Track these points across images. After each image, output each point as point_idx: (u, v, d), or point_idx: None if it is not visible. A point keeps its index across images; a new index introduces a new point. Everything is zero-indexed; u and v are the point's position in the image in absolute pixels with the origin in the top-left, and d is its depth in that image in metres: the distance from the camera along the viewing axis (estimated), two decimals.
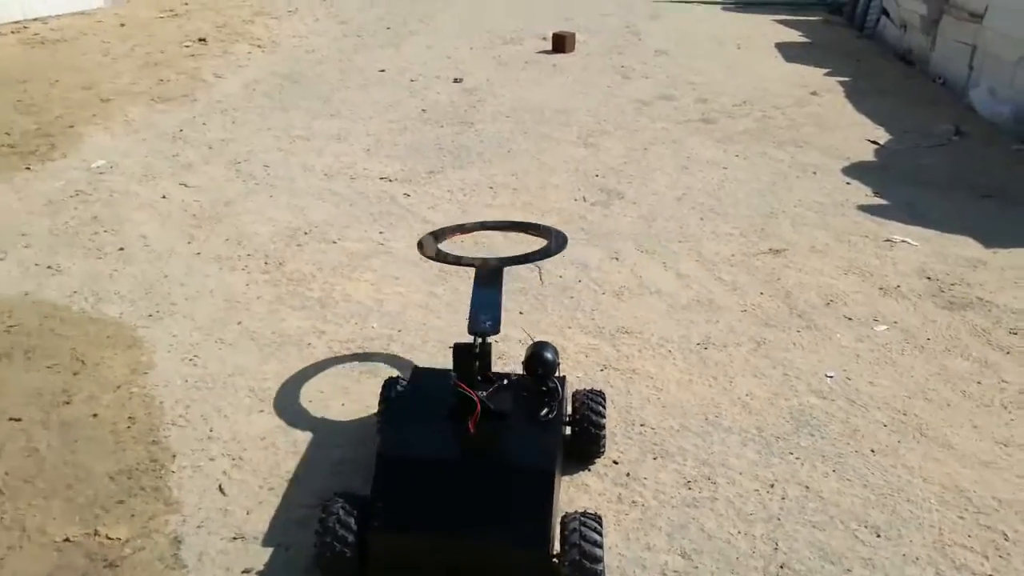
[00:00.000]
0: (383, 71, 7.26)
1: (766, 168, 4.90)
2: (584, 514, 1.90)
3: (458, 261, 2.41)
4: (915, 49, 8.60)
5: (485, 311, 2.14)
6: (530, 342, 2.26)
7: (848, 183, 4.67)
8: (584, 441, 2.28)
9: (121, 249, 3.71)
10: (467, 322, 2.11)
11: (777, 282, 3.47)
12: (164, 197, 4.31)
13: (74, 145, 5.08)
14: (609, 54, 8.07)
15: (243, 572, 2.00)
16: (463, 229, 2.69)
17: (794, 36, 9.21)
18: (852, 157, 5.11)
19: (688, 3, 11.30)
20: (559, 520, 1.91)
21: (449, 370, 2.13)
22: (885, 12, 10.07)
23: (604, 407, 2.30)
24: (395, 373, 2.59)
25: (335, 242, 3.81)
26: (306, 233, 3.91)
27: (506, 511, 1.87)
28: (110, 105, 5.87)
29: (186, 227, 3.95)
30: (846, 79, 7.17)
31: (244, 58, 7.56)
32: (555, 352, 2.17)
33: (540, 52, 8.12)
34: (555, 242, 2.43)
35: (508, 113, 5.99)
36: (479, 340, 2.08)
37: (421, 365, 2.66)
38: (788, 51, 8.32)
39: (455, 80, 6.94)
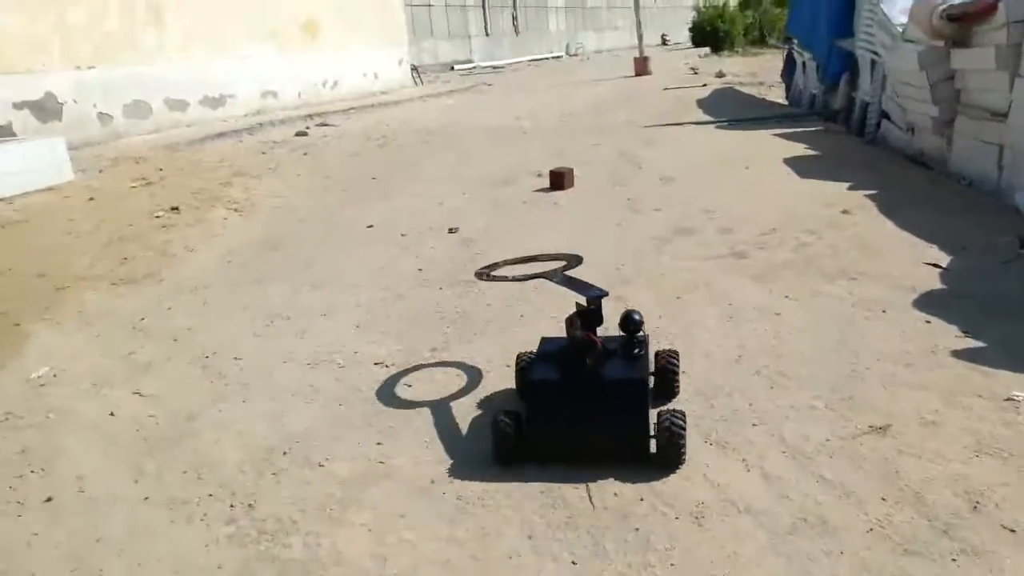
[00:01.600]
0: (371, 227, 6.65)
1: (825, 310, 4.17)
2: (672, 411, 2.77)
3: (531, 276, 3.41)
4: (927, 151, 8.10)
5: (590, 288, 3.07)
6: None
7: (928, 321, 3.93)
8: (663, 382, 3.22)
9: (48, 500, 2.89)
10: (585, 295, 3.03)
11: (897, 478, 2.66)
12: (112, 415, 3.53)
13: (16, 349, 4.34)
14: (612, 186, 7.52)
15: None
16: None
17: (799, 149, 8.74)
18: (917, 286, 4.40)
19: (677, 125, 10.94)
20: (655, 415, 2.76)
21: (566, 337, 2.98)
22: (886, 115, 9.67)
23: (678, 358, 3.28)
24: None
25: (321, 464, 3.00)
26: (284, 453, 3.11)
27: (615, 408, 2.75)
28: (64, 294, 5.18)
29: (135, 457, 3.15)
30: (872, 191, 6.58)
31: (219, 225, 6.97)
32: (641, 315, 3.01)
33: (538, 191, 7.57)
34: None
35: None
36: (593, 304, 2.95)
37: None
38: (800, 166, 7.80)
39: (450, 230, 6.32)
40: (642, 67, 20.80)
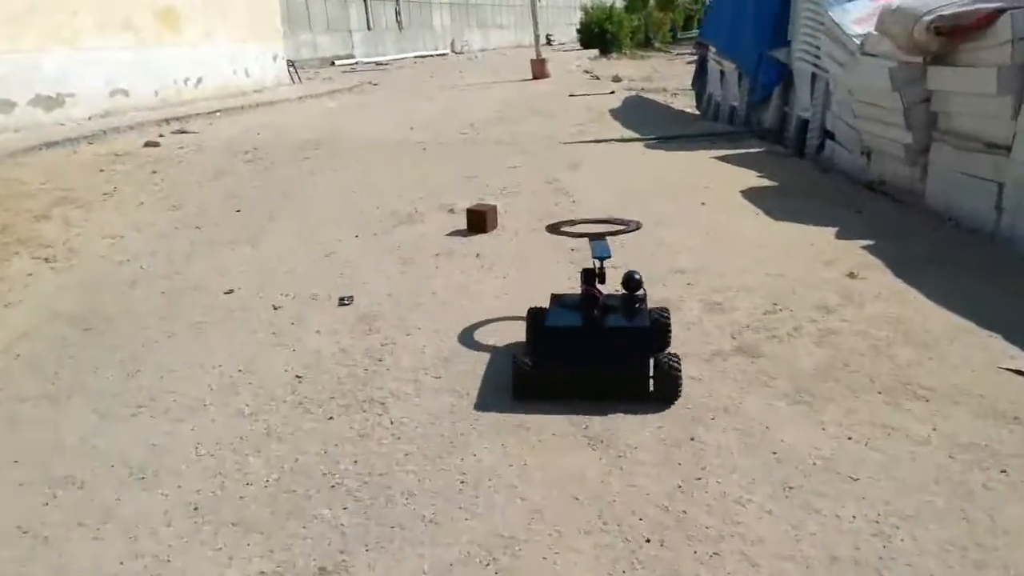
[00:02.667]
0: (231, 292, 4.87)
1: (917, 469, 2.77)
2: (669, 353, 3.28)
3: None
4: (892, 180, 7.01)
5: (600, 248, 3.61)
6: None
7: None
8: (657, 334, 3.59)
9: None
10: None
11: None
12: None
13: None
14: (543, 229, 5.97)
15: None
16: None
17: (751, 178, 7.47)
18: (1006, 410, 3.07)
19: (600, 142, 9.54)
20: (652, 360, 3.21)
21: (576, 293, 3.59)
22: (829, 135, 8.56)
23: (669, 314, 3.72)
24: None
25: None
26: None
27: (619, 351, 3.25)
28: None
29: None
30: (866, 241, 5.36)
31: (19, 286, 5.03)
32: (640, 275, 3.55)
33: (453, 234, 5.95)
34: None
35: (438, 365, 3.71)
36: (599, 264, 3.52)
37: None
38: (763, 201, 6.51)
39: (342, 301, 4.64)
40: (540, 70, 19.45)
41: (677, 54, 28.87)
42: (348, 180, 7.98)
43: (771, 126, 10.27)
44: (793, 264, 5.00)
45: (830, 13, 8.37)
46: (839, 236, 5.55)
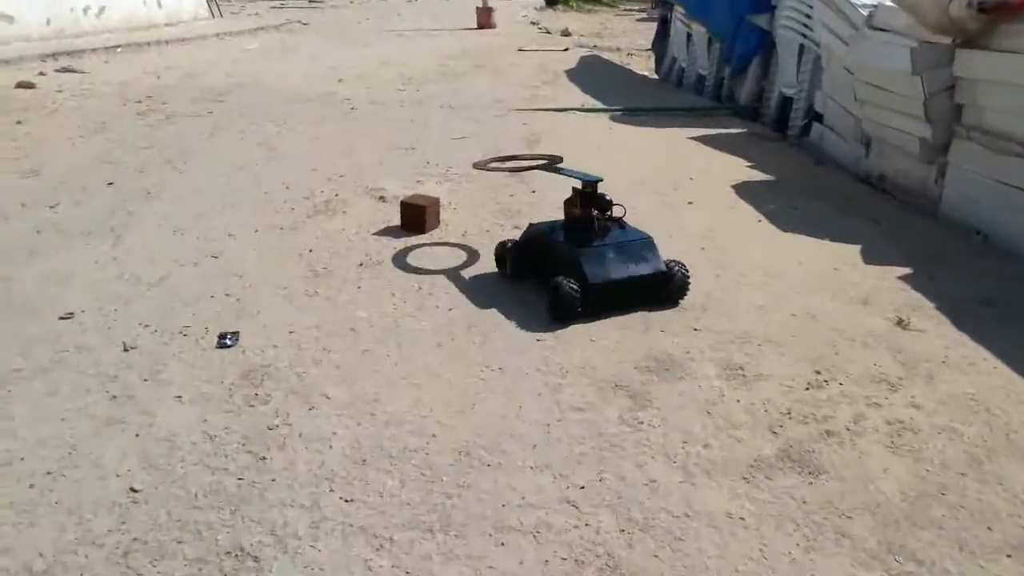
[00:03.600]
0: (69, 317, 3.48)
1: None
2: (676, 261, 3.74)
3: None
4: (897, 178, 6.01)
5: (586, 175, 3.85)
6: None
7: None
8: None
9: None
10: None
11: None
12: None
13: None
14: (501, 230, 4.70)
15: None
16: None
17: (740, 167, 6.33)
18: None
19: (560, 111, 8.24)
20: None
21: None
22: (817, 117, 7.47)
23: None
24: None
25: None
26: None
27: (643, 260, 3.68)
28: None
29: None
30: (902, 270, 4.29)
31: None
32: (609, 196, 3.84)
33: (382, 232, 4.65)
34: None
35: (350, 474, 2.47)
36: (590, 187, 3.75)
37: None
38: (761, 202, 5.40)
39: (222, 340, 3.33)
40: (486, 19, 17.90)
41: (625, 9, 27.53)
42: (256, 145, 6.53)
43: (747, 101, 9.12)
44: (822, 302, 3.86)
45: None
46: (866, 259, 4.44)
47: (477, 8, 18.26)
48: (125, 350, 3.28)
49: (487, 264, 4.19)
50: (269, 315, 3.61)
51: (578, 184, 3.81)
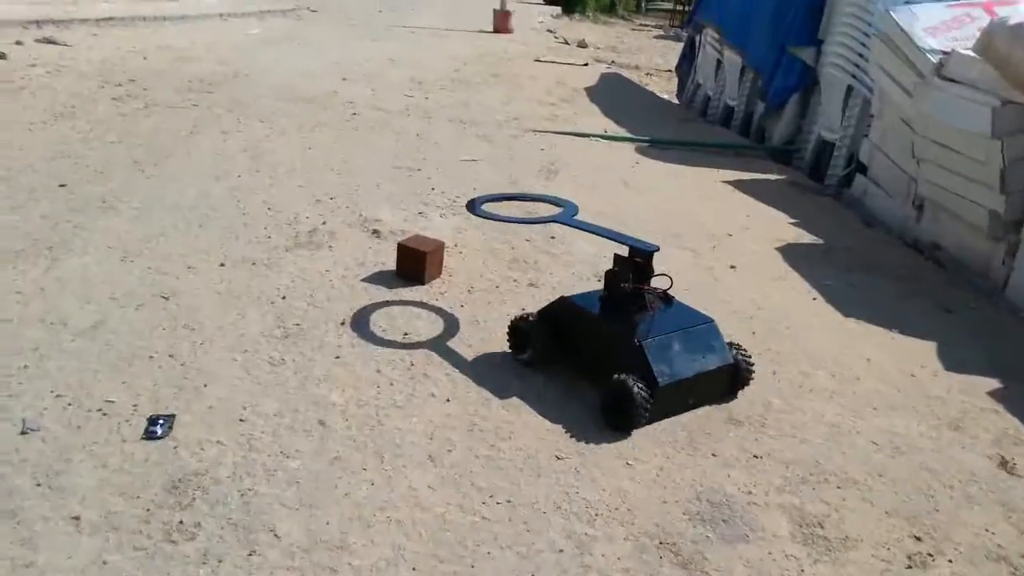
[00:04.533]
0: None
1: None
2: (737, 344, 3.20)
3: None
4: (953, 249, 5.26)
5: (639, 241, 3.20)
6: None
7: None
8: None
9: None
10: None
11: None
12: None
13: None
14: (515, 286, 3.94)
15: None
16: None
17: (782, 223, 5.60)
18: None
19: (579, 136, 7.49)
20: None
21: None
22: (860, 168, 6.75)
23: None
24: None
25: None
26: None
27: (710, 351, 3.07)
28: None
29: None
30: (991, 382, 3.60)
31: None
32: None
33: (372, 279, 3.89)
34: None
35: None
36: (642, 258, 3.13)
37: None
38: (812, 272, 4.69)
39: (150, 429, 2.61)
40: (504, 23, 17.12)
41: (640, 24, 26.84)
42: (240, 151, 5.74)
43: (779, 142, 8.38)
44: (906, 424, 3.12)
45: (893, 14, 6.41)
46: (946, 363, 3.72)
47: (495, 11, 17.49)
48: (22, 432, 2.50)
49: (494, 338, 3.42)
50: (218, 391, 2.83)
51: (620, 248, 3.18)
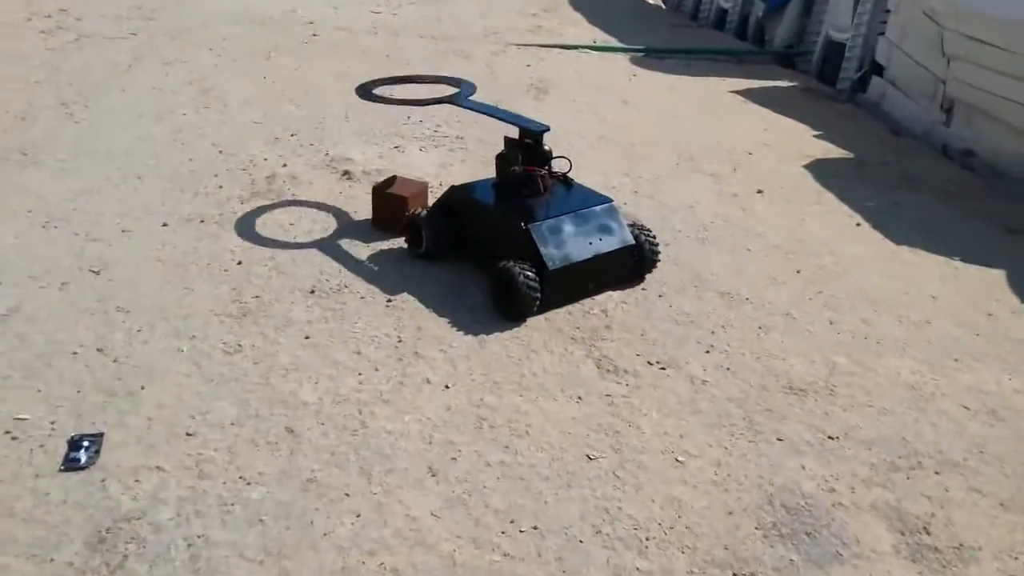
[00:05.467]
0: None
1: None
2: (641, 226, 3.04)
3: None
4: (991, 156, 4.73)
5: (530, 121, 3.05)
6: None
7: None
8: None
9: None
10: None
11: None
12: None
13: None
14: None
15: None
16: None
17: (806, 136, 5.02)
18: None
19: (565, 49, 6.76)
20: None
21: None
22: (876, 68, 6.12)
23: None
24: None
25: None
26: None
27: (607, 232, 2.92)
28: None
29: None
30: None
31: None
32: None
33: (344, 231, 3.28)
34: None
35: None
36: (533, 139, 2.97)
37: None
38: (849, 192, 4.15)
39: (71, 454, 2.04)
40: None
41: None
42: (184, 84, 5.01)
43: (781, 45, 7.69)
44: (996, 378, 2.61)
45: None
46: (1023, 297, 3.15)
47: None
48: None
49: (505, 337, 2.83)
50: (159, 394, 2.25)
51: (512, 132, 3.02)
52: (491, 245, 2.86)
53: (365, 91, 3.31)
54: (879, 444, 2.28)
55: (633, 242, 2.95)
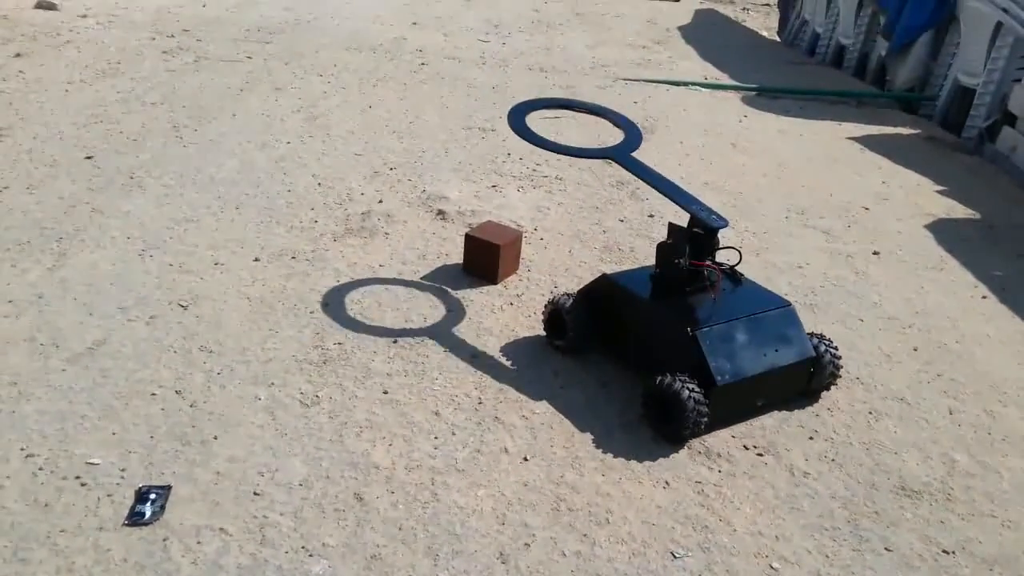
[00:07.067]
0: None
1: None
2: (820, 335, 2.63)
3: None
4: None
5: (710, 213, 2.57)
6: None
7: None
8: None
9: None
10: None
11: None
12: None
13: None
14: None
15: None
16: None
17: (929, 192, 4.69)
18: None
19: (676, 85, 6.56)
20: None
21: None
22: (1007, 119, 5.67)
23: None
24: None
25: None
26: None
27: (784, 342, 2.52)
28: None
29: None
30: None
31: None
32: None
33: (434, 276, 3.22)
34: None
35: None
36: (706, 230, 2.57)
37: None
38: (979, 260, 3.85)
39: (137, 507, 1.98)
40: None
41: None
42: (292, 111, 5.08)
43: (903, 87, 7.28)
44: None
45: None
46: None
47: None
48: None
49: (587, 360, 2.69)
50: (231, 446, 2.19)
51: (678, 218, 2.65)
52: (645, 347, 2.54)
53: (518, 118, 2.88)
54: (1002, 564, 2.02)
55: (813, 354, 2.55)
